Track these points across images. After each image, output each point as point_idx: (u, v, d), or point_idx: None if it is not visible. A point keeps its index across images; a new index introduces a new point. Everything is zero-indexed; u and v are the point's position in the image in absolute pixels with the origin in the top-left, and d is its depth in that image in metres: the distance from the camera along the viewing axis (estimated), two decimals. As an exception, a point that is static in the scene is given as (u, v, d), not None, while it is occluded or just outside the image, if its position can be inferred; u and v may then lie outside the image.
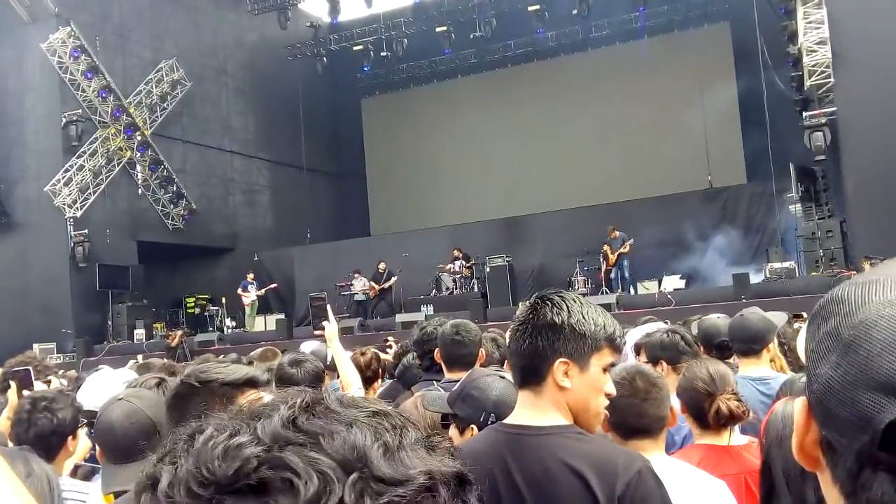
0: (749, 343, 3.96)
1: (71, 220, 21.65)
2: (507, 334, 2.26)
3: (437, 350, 3.92)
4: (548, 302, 2.08)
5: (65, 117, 21.88)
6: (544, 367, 2.04)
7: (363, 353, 4.73)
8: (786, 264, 17.90)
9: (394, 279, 21.31)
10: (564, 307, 2.06)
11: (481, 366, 3.92)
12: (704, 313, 7.11)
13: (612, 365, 2.12)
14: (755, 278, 17.70)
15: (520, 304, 2.05)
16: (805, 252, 17.88)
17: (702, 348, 4.35)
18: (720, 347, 4.39)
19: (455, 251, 21.54)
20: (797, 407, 0.88)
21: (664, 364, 3.90)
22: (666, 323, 5.33)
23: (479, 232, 23.42)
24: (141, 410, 2.43)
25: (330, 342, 4.27)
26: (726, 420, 2.92)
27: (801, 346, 2.95)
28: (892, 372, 0.77)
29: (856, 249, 16.25)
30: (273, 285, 23.05)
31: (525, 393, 2.10)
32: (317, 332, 4.46)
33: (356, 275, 21.74)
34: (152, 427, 2.36)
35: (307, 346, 5.43)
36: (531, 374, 2.06)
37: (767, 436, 2.20)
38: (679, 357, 3.88)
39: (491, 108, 27.67)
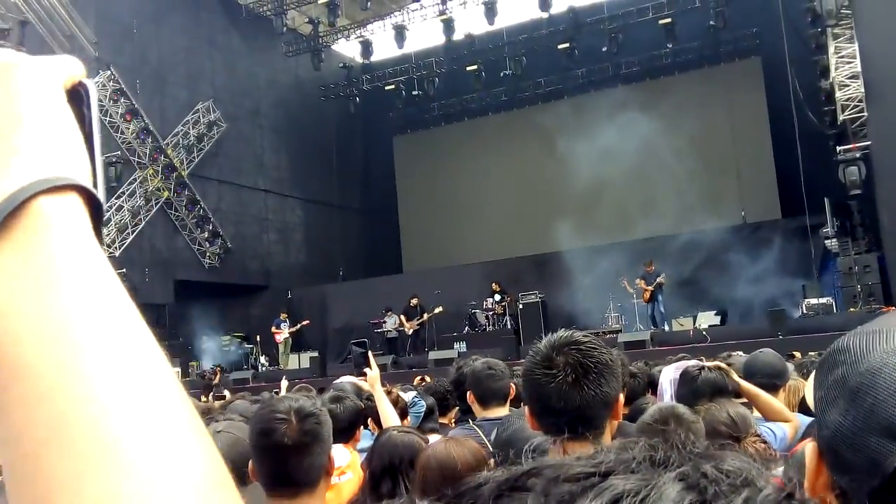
0: (773, 378, 4.13)
1: (110, 259, 21.93)
2: (531, 383, 2.05)
3: (468, 392, 3.93)
4: (587, 344, 2.01)
5: (104, 159, 22.27)
6: (606, 412, 1.95)
7: (389, 392, 4.84)
8: (823, 300, 17.67)
9: (438, 309, 21.01)
10: (600, 344, 2.03)
11: (511, 402, 3.93)
12: (737, 350, 7.04)
13: None
14: (791, 315, 17.49)
15: (536, 351, 2.00)
16: (843, 288, 17.64)
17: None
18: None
19: (494, 285, 21.55)
20: (808, 451, 0.92)
21: None
22: (701, 360, 5.30)
23: (511, 268, 23.37)
24: (242, 440, 2.58)
25: (372, 387, 4.48)
26: None
27: (809, 392, 2.99)
28: None
29: (894, 284, 16.02)
30: (305, 322, 23.18)
31: (577, 444, 1.88)
32: (359, 378, 4.73)
33: (388, 312, 21.82)
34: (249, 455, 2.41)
35: (344, 380, 5.60)
36: (592, 424, 1.90)
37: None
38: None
39: (522, 145, 27.78)
